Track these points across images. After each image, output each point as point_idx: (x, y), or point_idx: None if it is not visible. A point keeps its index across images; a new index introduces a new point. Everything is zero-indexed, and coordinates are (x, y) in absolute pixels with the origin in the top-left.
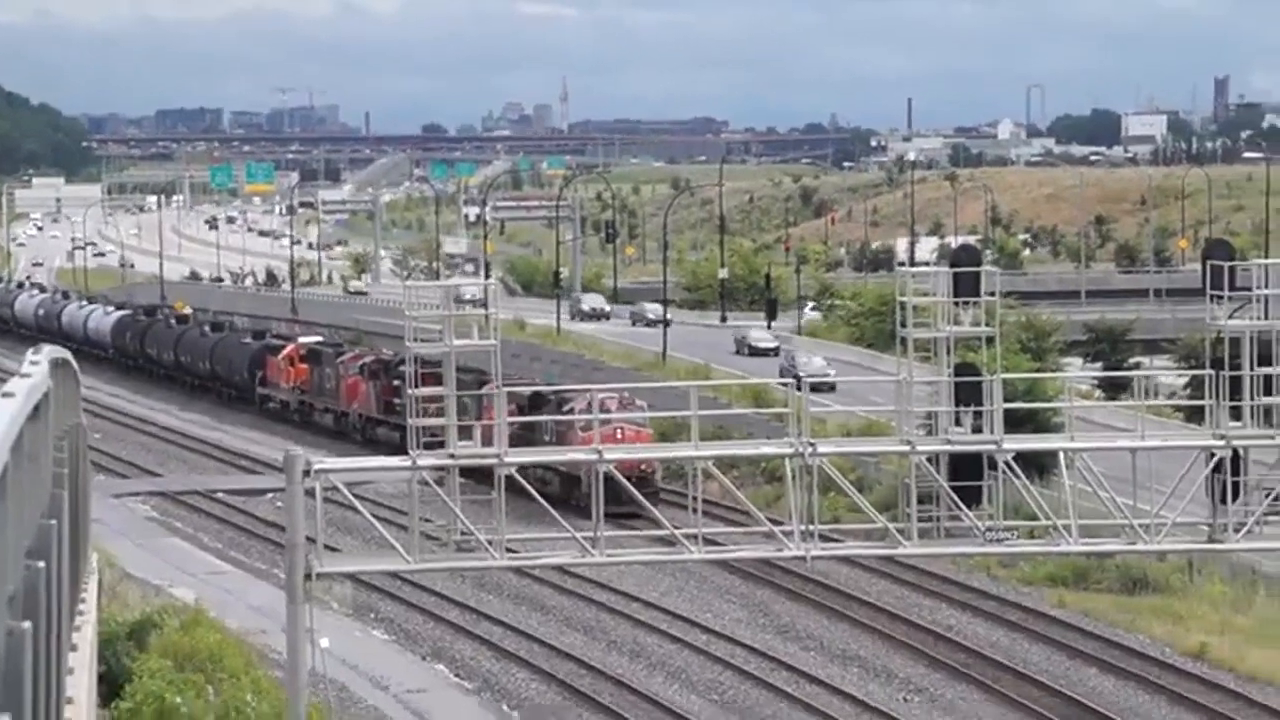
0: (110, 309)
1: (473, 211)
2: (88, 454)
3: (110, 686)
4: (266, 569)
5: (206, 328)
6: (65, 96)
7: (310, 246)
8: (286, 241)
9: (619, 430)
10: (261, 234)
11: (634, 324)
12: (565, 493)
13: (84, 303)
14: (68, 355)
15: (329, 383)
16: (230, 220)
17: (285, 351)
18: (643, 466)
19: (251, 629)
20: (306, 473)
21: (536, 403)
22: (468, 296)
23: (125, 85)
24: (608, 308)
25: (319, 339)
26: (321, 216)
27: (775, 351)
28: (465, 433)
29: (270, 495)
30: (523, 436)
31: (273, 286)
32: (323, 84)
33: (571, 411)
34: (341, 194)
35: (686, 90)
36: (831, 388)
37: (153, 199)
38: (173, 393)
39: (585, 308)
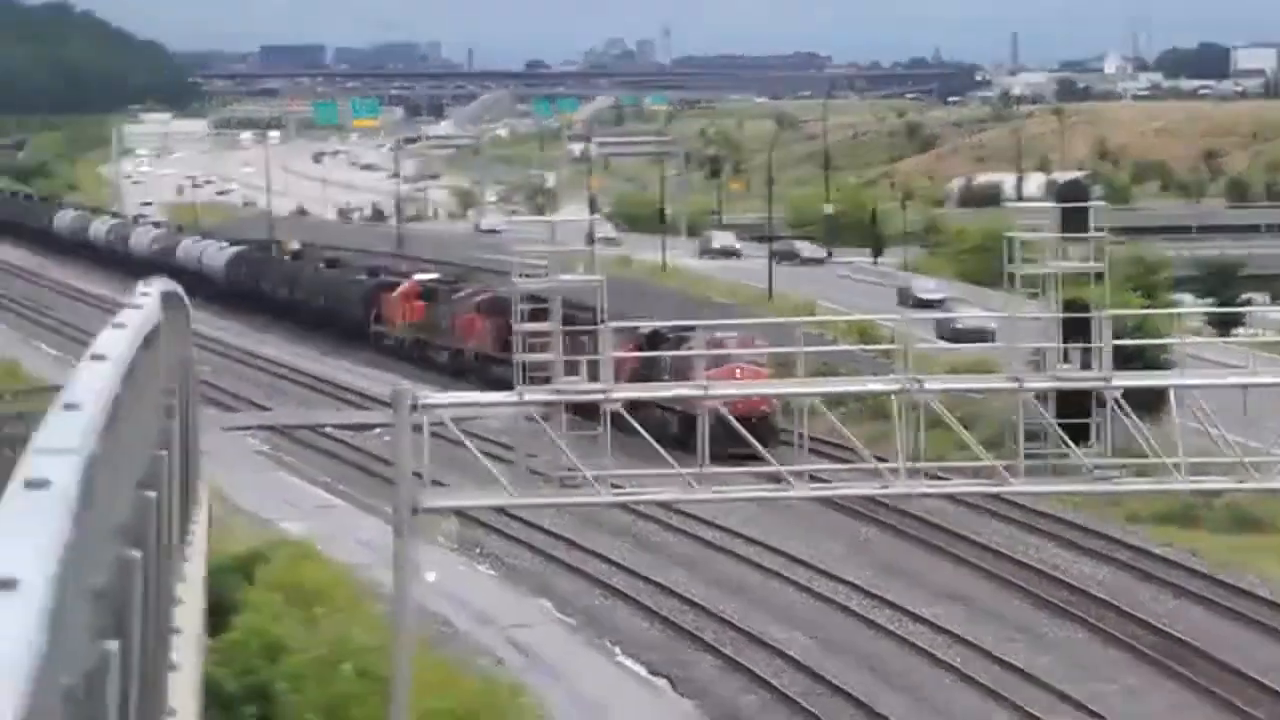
0: (224, 244)
1: (578, 147)
2: (198, 386)
3: (218, 618)
4: (374, 504)
5: (321, 264)
6: (171, 33)
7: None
8: (389, 175)
9: (737, 369)
10: (364, 168)
11: (700, 256)
12: (684, 433)
13: (198, 238)
14: (178, 288)
15: (444, 320)
16: (335, 154)
17: (400, 288)
18: (763, 408)
19: (359, 563)
20: (414, 407)
21: (655, 342)
22: (602, 235)
23: (230, 21)
24: (738, 245)
25: (435, 275)
26: (427, 151)
27: (942, 304)
28: (579, 370)
29: (378, 430)
30: (642, 375)
31: (380, 221)
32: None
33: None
34: (446, 129)
35: (789, 24)
36: (991, 337)
37: (246, 135)
38: (286, 329)
39: (716, 245)
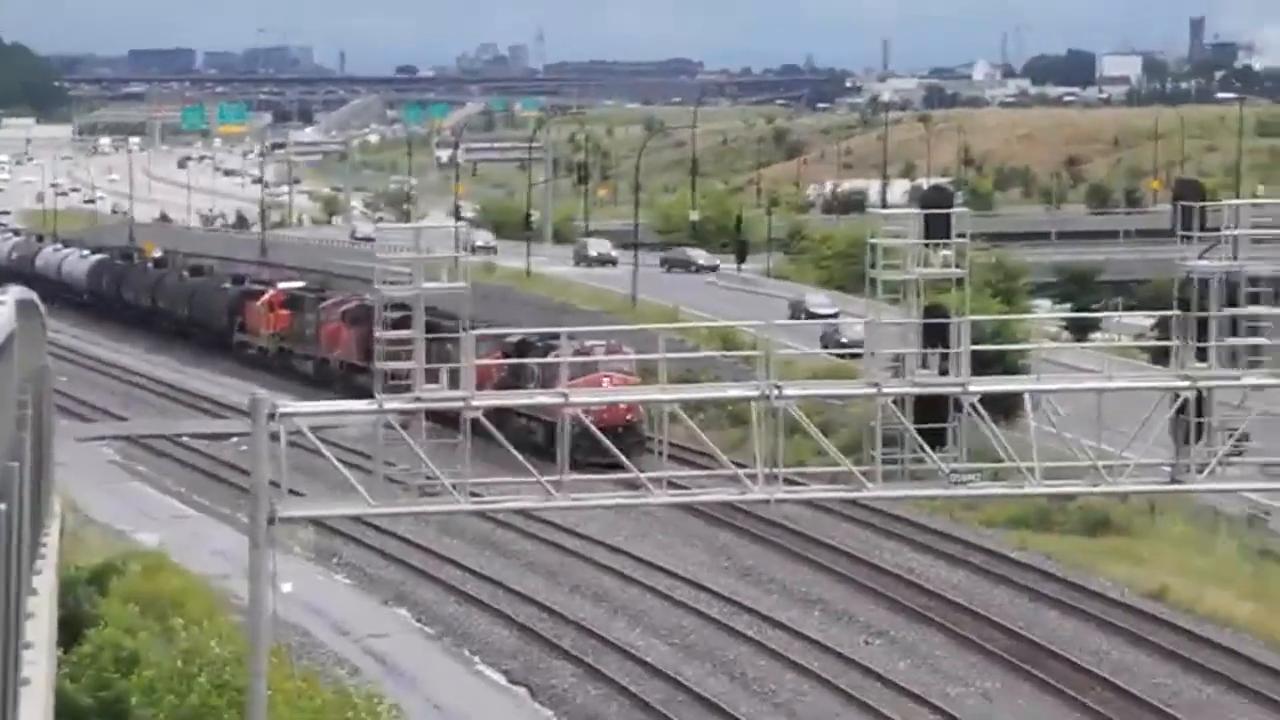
0: (86, 252)
1: (445, 153)
2: (52, 396)
3: (71, 631)
4: (230, 513)
5: (185, 272)
6: (38, 36)
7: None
8: (250, 181)
9: (604, 378)
10: (226, 174)
11: (577, 263)
12: (549, 442)
13: (59, 246)
14: (33, 296)
15: (309, 329)
16: (200, 160)
17: (265, 297)
18: (629, 416)
19: (214, 574)
20: (271, 416)
21: (523, 350)
22: (480, 243)
23: (100, 25)
24: (614, 253)
25: (301, 284)
26: (293, 158)
27: (835, 318)
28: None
29: (235, 439)
30: (509, 383)
31: (244, 228)
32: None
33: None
34: (314, 135)
35: (662, 31)
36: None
37: (106, 140)
38: (148, 337)
39: (592, 253)
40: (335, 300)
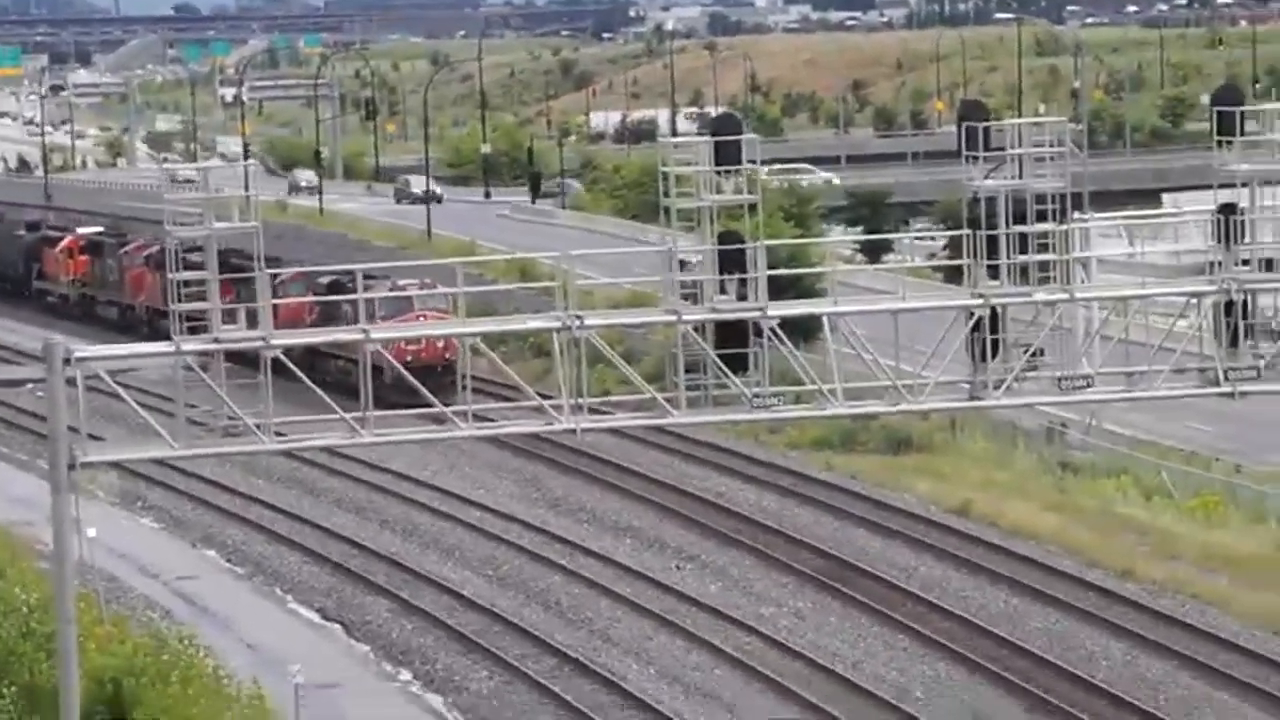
0: None
1: (229, 92)
2: None
3: None
4: (29, 460)
5: None
6: None
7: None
8: (24, 122)
9: (421, 317)
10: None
11: (398, 201)
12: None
13: None
14: None
15: (112, 275)
16: None
17: (63, 243)
18: (447, 354)
19: (16, 521)
20: (67, 361)
21: (335, 289)
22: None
23: None
24: (439, 190)
25: (99, 229)
26: (73, 100)
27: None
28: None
29: (30, 385)
30: (323, 323)
31: (25, 173)
32: None
33: (372, 301)
34: (94, 76)
35: None
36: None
37: None
38: None
39: (416, 191)
40: (138, 245)
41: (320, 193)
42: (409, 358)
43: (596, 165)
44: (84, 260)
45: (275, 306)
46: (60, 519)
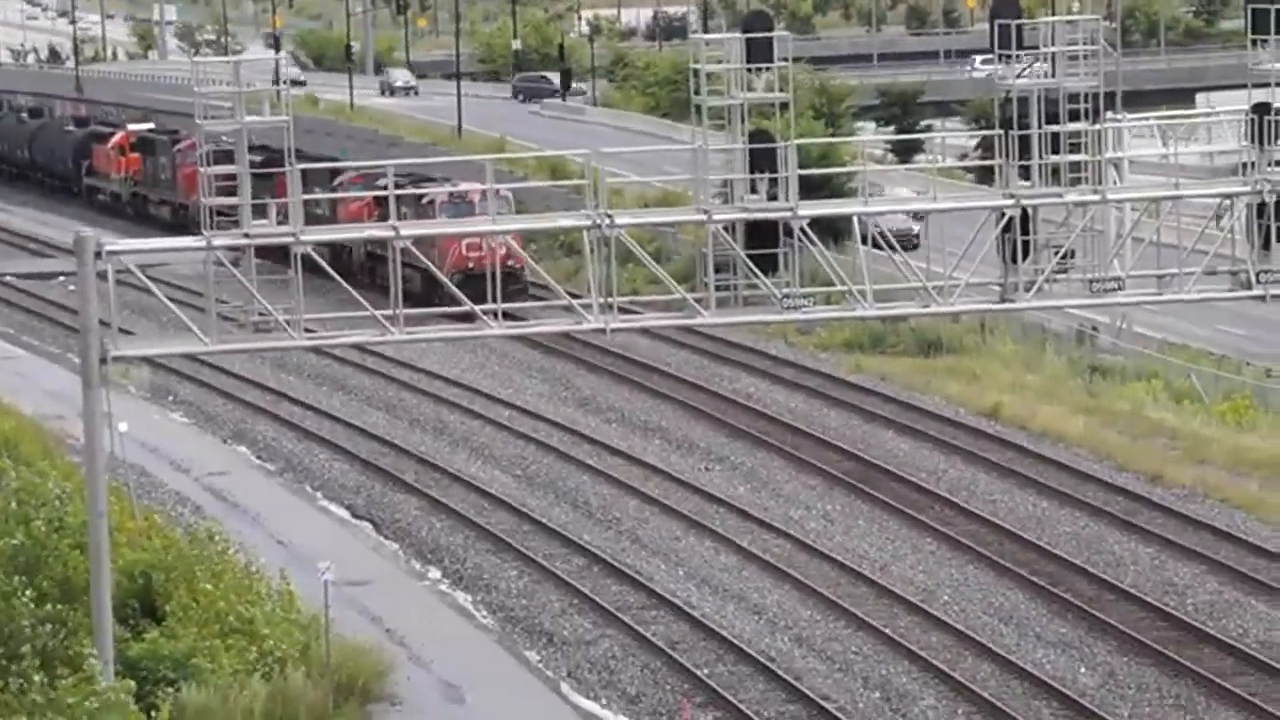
0: None
1: None
2: None
3: None
4: (61, 353)
5: (24, 114)
6: None
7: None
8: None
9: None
10: (30, 3)
11: (383, 94)
12: (427, 291)
13: None
14: None
15: (164, 173)
16: None
17: (114, 140)
18: (509, 262)
19: (48, 414)
20: (98, 254)
21: (396, 199)
22: (399, 84)
23: None
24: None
25: (150, 125)
26: None
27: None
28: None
29: (63, 279)
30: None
31: (56, 64)
32: None
33: (433, 204)
34: None
35: None
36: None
37: None
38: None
39: (399, 84)
40: (191, 142)
41: (350, 87)
42: (470, 264)
43: (628, 62)
44: (135, 158)
45: (335, 206)
46: (91, 413)
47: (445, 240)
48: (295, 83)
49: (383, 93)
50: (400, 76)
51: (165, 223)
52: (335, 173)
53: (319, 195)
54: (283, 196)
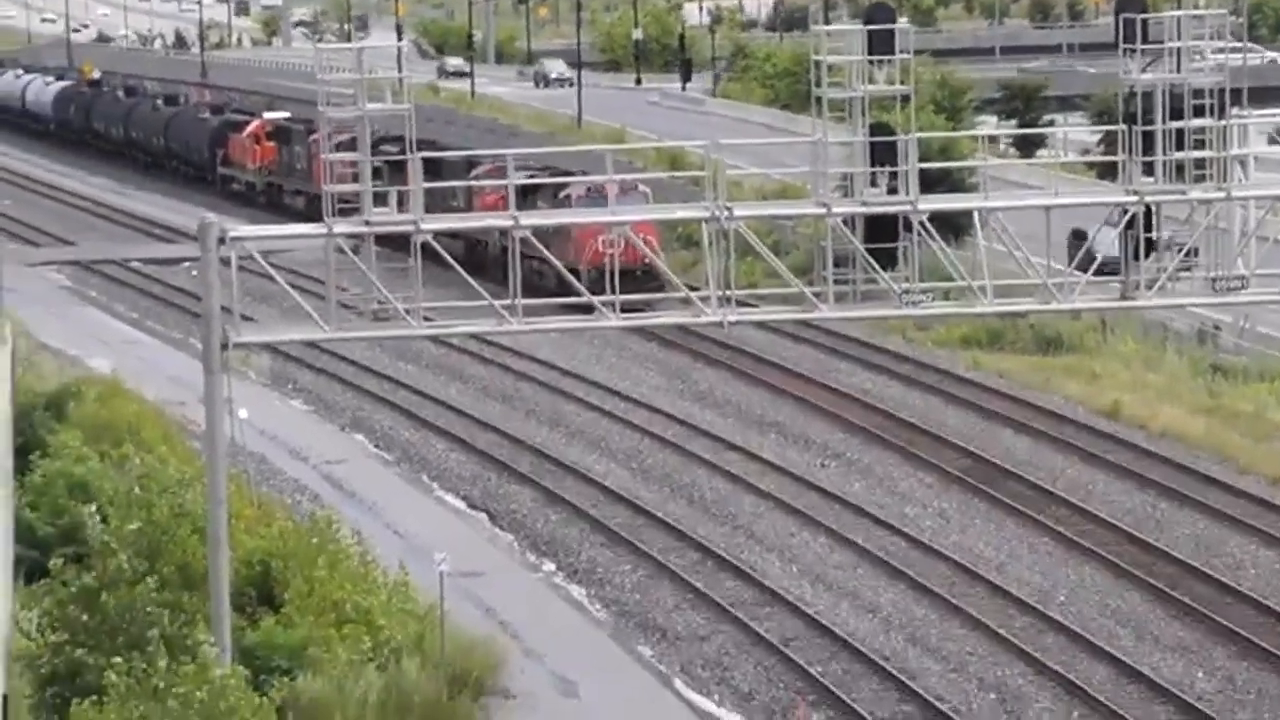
0: (50, 79)
1: None
2: None
3: (28, 457)
4: (183, 338)
5: (159, 101)
6: None
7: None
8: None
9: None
10: None
11: (536, 85)
12: (561, 285)
13: (19, 72)
14: None
15: (299, 162)
16: None
17: (249, 128)
18: (645, 260)
19: (169, 399)
20: (221, 241)
21: (531, 189)
22: (450, 69)
23: None
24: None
25: (286, 115)
26: None
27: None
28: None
29: (187, 264)
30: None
31: (182, 49)
32: None
33: (569, 199)
34: None
35: None
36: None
37: None
38: (124, 171)
39: (553, 75)
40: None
41: (472, 76)
42: (606, 260)
43: (749, 53)
44: (271, 147)
45: (471, 197)
46: (212, 399)
47: (581, 235)
48: (458, 73)
49: (536, 84)
50: (555, 68)
51: (299, 213)
52: (472, 164)
53: (452, 183)
54: (426, 185)
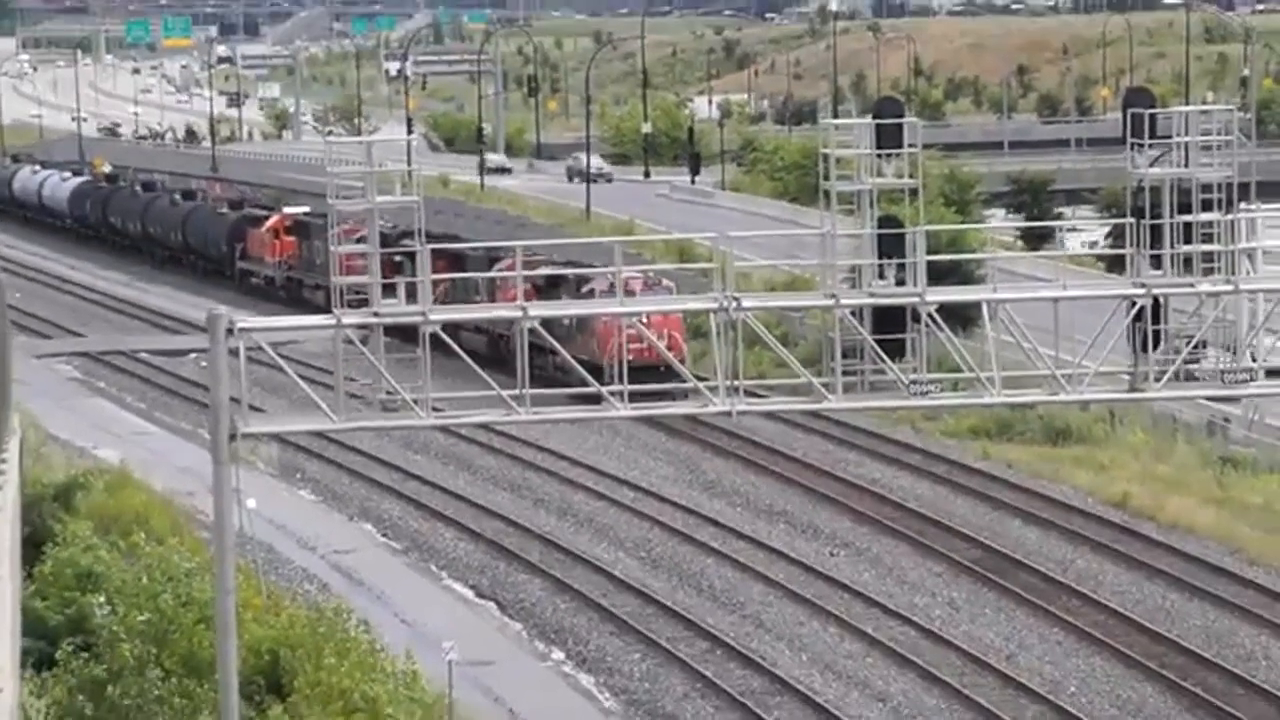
0: (67, 175)
1: (394, 66)
2: (6, 313)
3: (37, 548)
4: (191, 429)
5: (177, 196)
6: None
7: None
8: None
9: (645, 318)
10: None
11: (569, 179)
12: (584, 383)
13: (37, 167)
14: None
15: (319, 257)
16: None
17: (269, 223)
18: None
19: (178, 490)
20: (230, 331)
21: (555, 282)
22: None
23: None
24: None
25: (306, 209)
26: (241, 71)
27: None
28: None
29: (195, 355)
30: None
31: (192, 143)
32: None
33: (593, 294)
34: (260, 49)
35: None
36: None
37: (24, 57)
38: (140, 265)
39: (592, 169)
40: (348, 227)
41: (481, 169)
42: (630, 357)
43: (757, 146)
44: (290, 241)
45: (494, 289)
46: (221, 489)
47: (604, 330)
48: (501, 170)
49: (570, 179)
50: (595, 162)
51: (319, 307)
52: (496, 258)
53: (473, 274)
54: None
